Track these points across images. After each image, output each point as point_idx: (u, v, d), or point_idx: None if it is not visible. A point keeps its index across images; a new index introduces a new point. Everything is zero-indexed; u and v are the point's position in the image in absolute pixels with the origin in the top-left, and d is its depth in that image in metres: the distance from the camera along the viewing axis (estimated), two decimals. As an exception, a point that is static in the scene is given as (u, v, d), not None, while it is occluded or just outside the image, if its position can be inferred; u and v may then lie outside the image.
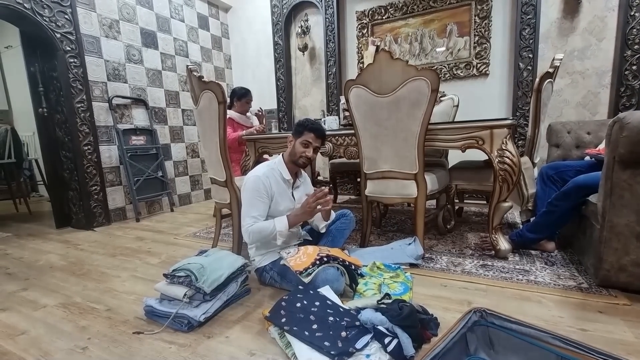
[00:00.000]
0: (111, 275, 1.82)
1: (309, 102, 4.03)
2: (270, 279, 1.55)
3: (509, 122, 1.63)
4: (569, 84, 2.76)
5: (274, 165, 1.61)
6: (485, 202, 2.78)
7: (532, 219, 1.89)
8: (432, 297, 1.40)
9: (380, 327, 1.02)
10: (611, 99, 2.61)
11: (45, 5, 2.54)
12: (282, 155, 1.66)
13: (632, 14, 2.44)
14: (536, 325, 0.86)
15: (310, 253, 1.41)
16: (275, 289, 1.55)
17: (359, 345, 0.99)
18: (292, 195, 1.64)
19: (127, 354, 1.12)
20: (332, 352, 0.97)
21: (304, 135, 1.57)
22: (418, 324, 1.05)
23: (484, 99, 3.06)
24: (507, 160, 1.61)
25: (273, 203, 1.56)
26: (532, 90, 1.91)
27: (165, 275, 1.36)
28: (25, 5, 2.43)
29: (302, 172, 1.74)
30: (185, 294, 1.26)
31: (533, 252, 1.81)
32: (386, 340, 0.98)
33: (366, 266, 1.60)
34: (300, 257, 1.40)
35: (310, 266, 1.34)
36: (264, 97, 4.12)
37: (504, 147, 1.62)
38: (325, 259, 1.38)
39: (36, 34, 2.63)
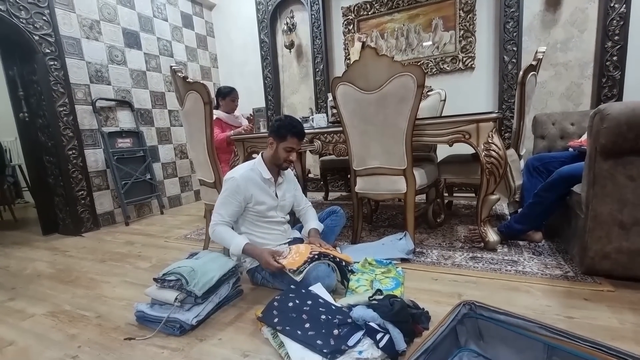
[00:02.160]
0: (101, 281, 1.79)
1: (297, 99, 4.01)
2: (262, 279, 1.54)
3: (494, 115, 1.65)
4: (552, 75, 2.81)
5: (254, 166, 1.58)
6: (474, 194, 2.82)
7: (519, 210, 1.93)
8: (423, 290, 1.42)
9: (372, 324, 1.03)
10: (594, 89, 2.66)
11: (21, 7, 2.46)
12: (262, 154, 1.63)
13: (612, 5, 2.48)
14: (524, 316, 0.87)
15: (302, 252, 1.41)
16: (267, 289, 1.54)
17: (351, 342, 1.00)
18: (275, 193, 1.63)
19: (119, 360, 1.11)
20: (325, 350, 0.98)
21: (288, 140, 1.53)
22: (409, 318, 1.06)
23: (471, 92, 3.09)
24: (494, 153, 1.64)
25: (253, 203, 1.55)
26: (517, 83, 1.94)
27: (155, 279, 1.35)
28: (0, 7, 2.36)
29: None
30: (176, 298, 1.25)
31: (521, 242, 1.84)
32: (378, 336, 0.99)
33: (358, 262, 1.61)
34: (292, 257, 1.40)
35: (303, 264, 1.34)
36: (252, 96, 4.08)
37: (490, 141, 1.65)
38: (316, 257, 1.38)
39: (13, 36, 2.54)
